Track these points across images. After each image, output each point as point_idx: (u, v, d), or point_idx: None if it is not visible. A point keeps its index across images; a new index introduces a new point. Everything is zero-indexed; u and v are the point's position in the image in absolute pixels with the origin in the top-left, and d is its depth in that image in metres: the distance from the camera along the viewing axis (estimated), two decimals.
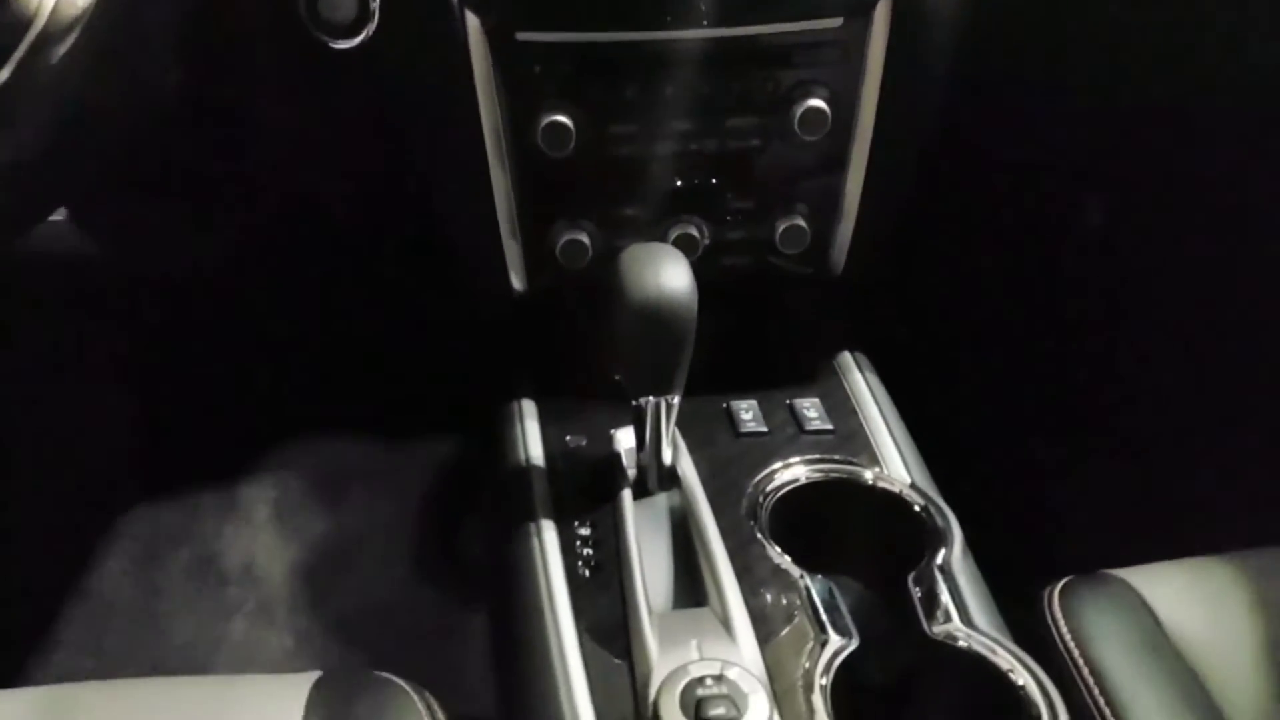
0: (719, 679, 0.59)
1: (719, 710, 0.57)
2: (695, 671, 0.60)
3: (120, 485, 1.36)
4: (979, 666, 0.64)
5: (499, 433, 0.87)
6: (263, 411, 1.43)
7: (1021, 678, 0.63)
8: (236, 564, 1.32)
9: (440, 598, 1.26)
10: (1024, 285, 1.21)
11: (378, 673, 0.72)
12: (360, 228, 1.25)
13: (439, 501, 1.36)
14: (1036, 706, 0.61)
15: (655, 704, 0.58)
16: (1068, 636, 0.71)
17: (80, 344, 1.32)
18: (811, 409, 0.88)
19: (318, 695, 0.68)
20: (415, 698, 0.69)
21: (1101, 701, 0.66)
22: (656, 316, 0.67)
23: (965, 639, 0.66)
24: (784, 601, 0.69)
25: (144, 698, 0.72)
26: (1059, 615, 0.73)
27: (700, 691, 0.58)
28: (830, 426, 0.86)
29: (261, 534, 1.36)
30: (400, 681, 0.70)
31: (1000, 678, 0.63)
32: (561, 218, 0.85)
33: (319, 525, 1.36)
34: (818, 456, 0.83)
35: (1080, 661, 0.69)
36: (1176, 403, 1.06)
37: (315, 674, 0.72)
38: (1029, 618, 0.75)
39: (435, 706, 0.69)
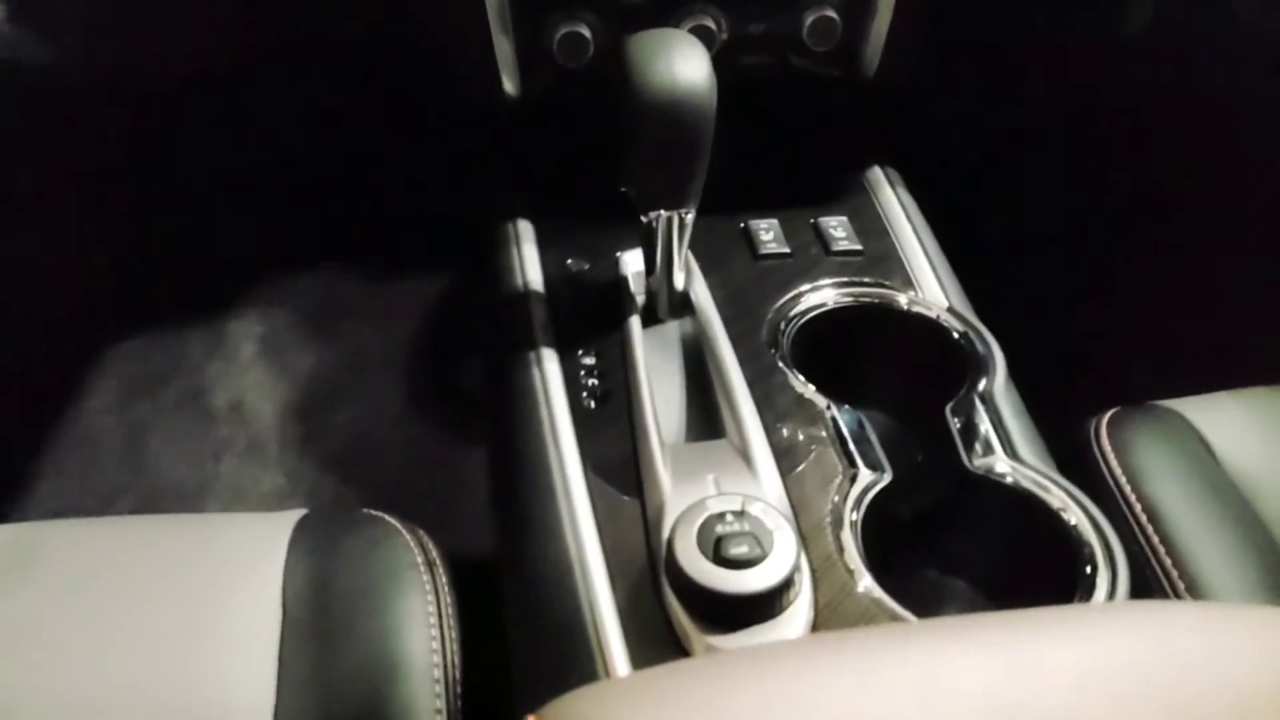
0: (740, 515, 0.53)
1: (741, 549, 0.51)
2: (714, 507, 0.54)
3: (102, 320, 1.29)
4: (1025, 503, 0.59)
5: (493, 257, 0.79)
6: (248, 243, 1.34)
7: (1073, 516, 0.57)
8: (225, 402, 1.27)
9: (436, 433, 1.22)
10: (1067, 94, 1.09)
11: (365, 510, 0.67)
12: (348, 37, 1.12)
13: (433, 333, 1.29)
14: (1089, 547, 0.55)
15: (670, 541, 0.53)
16: (1117, 470, 0.65)
17: (49, 168, 1.22)
18: (839, 228, 0.79)
19: (302, 532, 0.64)
20: (405, 533, 0.64)
21: (1155, 539, 0.61)
22: (671, 112, 0.58)
23: (1010, 472, 0.60)
24: (809, 433, 0.63)
25: (122, 535, 0.68)
26: (1107, 447, 0.67)
27: (720, 528, 0.52)
28: (859, 247, 0.78)
29: (250, 371, 1.31)
30: (389, 518, 0.66)
31: (1049, 515, 0.57)
32: (558, 6, 0.74)
33: (309, 360, 1.31)
34: (846, 279, 0.75)
35: (1131, 496, 0.63)
36: (1228, 219, 0.96)
37: (300, 511, 0.68)
38: (1074, 450, 0.69)
39: (427, 542, 0.64)
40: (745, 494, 0.55)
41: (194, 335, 1.32)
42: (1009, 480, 0.60)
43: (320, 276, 1.35)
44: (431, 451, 1.19)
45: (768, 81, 0.80)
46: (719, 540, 0.52)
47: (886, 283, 0.75)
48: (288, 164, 1.28)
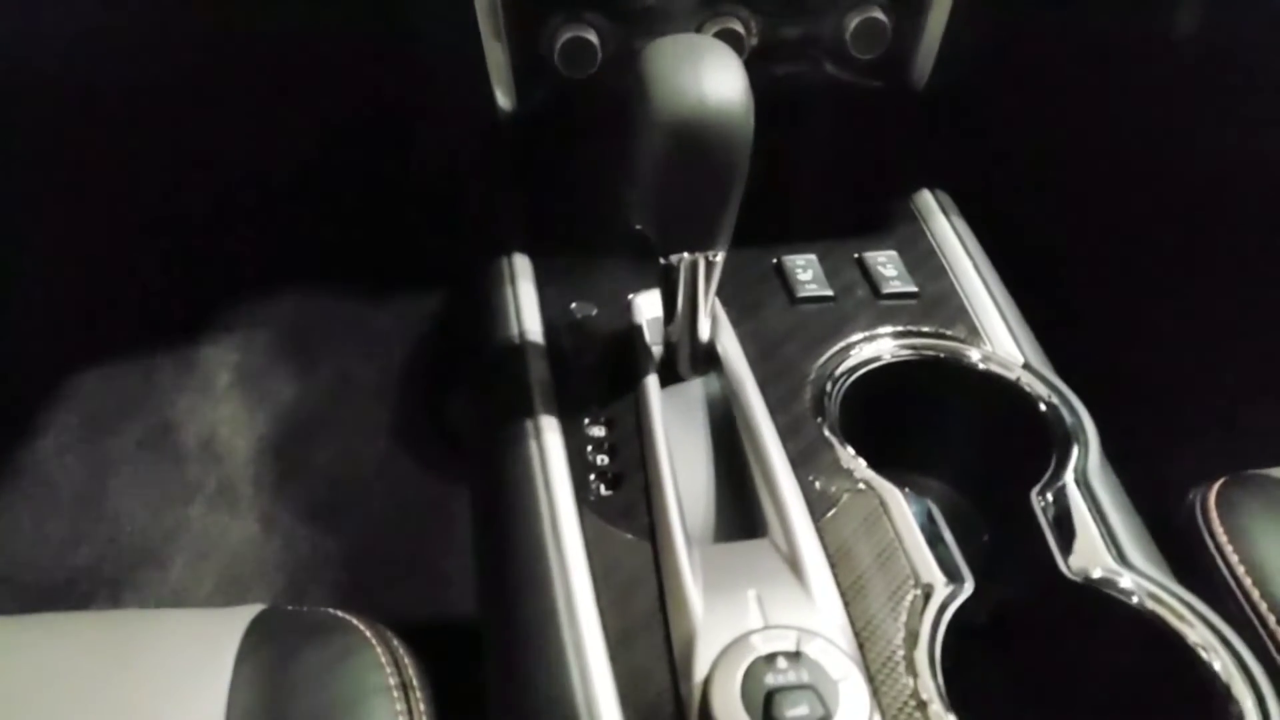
0: (795, 657, 0.42)
1: (799, 710, 0.40)
2: (761, 646, 0.42)
3: (63, 349, 1.17)
4: (1148, 628, 0.47)
5: (485, 298, 0.68)
6: (223, 265, 1.23)
7: (1216, 659, 0.45)
8: (195, 438, 1.16)
9: (423, 472, 1.11)
10: (1141, 112, 0.97)
11: (331, 611, 0.56)
12: (326, 44, 1.00)
13: (421, 361, 1.18)
14: (1237, 706, 0.44)
15: (706, 692, 0.41)
16: (1236, 564, 0.54)
17: (4, 187, 1.11)
18: (888, 264, 0.68)
19: (255, 637, 0.54)
20: (376, 645, 0.53)
21: None
22: (699, 136, 0.46)
23: (1124, 584, 0.49)
24: (869, 531, 0.51)
25: (41, 638, 0.58)
26: (1219, 531, 0.56)
27: (770, 678, 0.41)
28: (914, 288, 0.66)
29: (223, 403, 1.19)
30: (358, 622, 0.55)
31: (1181, 649, 0.46)
32: (559, 7, 0.63)
33: (287, 391, 1.20)
34: (901, 328, 0.63)
35: (1260, 602, 0.52)
36: None
37: (256, 608, 0.57)
38: (1174, 533, 0.57)
39: (402, 656, 0.53)
40: (800, 626, 0.43)
41: (163, 364, 1.20)
42: (1124, 596, 0.49)
43: (301, 300, 1.24)
44: (418, 495, 1.08)
45: (803, 94, 0.68)
46: (770, 698, 0.40)
47: (948, 333, 0.63)
48: (267, 182, 1.16)
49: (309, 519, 1.08)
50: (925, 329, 0.63)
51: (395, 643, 0.55)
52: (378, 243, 1.19)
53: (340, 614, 0.56)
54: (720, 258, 0.55)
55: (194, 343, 1.21)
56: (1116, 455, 0.58)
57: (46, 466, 1.12)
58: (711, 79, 0.46)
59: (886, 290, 0.66)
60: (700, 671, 0.43)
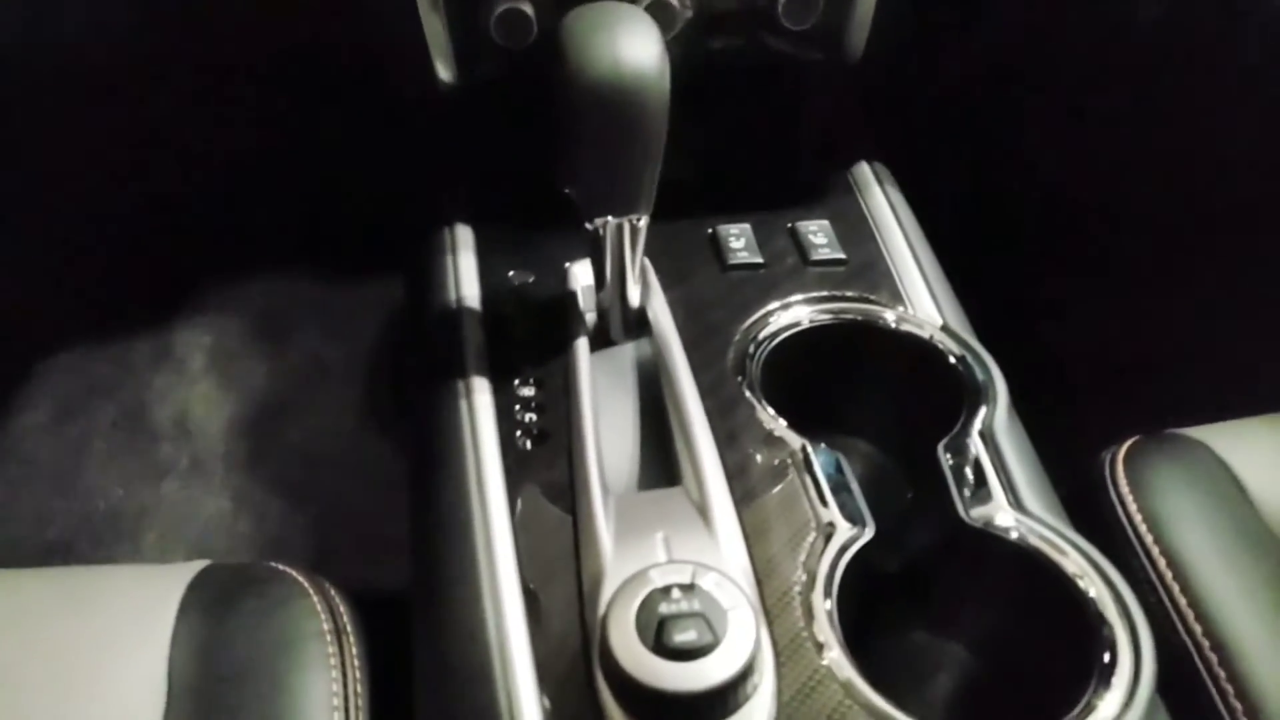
0: (689, 589, 0.44)
1: (688, 635, 0.42)
2: (658, 579, 0.44)
3: (39, 330, 1.20)
4: (1033, 564, 0.49)
5: (426, 267, 0.70)
6: (194, 247, 1.25)
7: (1092, 586, 0.48)
8: (169, 418, 1.18)
9: (395, 451, 1.13)
10: (1073, 80, 0.99)
11: (270, 563, 0.59)
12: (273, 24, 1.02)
13: (389, 345, 1.20)
14: (1109, 627, 0.46)
15: (605, 622, 0.44)
16: (1136, 515, 0.56)
17: None
18: (819, 233, 0.70)
19: (197, 590, 0.56)
20: (313, 593, 0.56)
21: (1183, 603, 0.51)
22: (613, 100, 0.48)
23: (1015, 526, 0.51)
24: (778, 480, 0.54)
25: (3, 590, 0.59)
26: (1124, 487, 0.58)
27: (664, 607, 0.43)
28: (842, 255, 0.68)
29: (197, 384, 1.22)
30: (295, 573, 0.57)
31: (1062, 582, 0.48)
32: None
33: (260, 371, 1.22)
34: (826, 294, 0.65)
35: (1154, 549, 0.54)
36: (1255, 218, 0.87)
37: (202, 563, 0.59)
38: (1084, 489, 0.60)
39: (338, 604, 0.56)
40: (697, 561, 0.46)
41: (137, 346, 1.23)
42: (1013, 536, 0.51)
43: (271, 284, 1.26)
44: (385, 471, 1.10)
45: (738, 66, 0.70)
46: (662, 624, 0.42)
47: (872, 297, 0.65)
48: (232, 163, 1.18)
49: (279, 494, 1.10)
50: (849, 294, 0.65)
51: (332, 592, 0.57)
52: (343, 226, 1.21)
53: (279, 566, 0.59)
54: (644, 223, 0.57)
55: (167, 326, 1.24)
56: (1038, 421, 0.60)
57: (23, 444, 1.15)
58: (626, 44, 0.48)
59: (815, 257, 0.68)
60: (603, 604, 0.45)
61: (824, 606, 0.47)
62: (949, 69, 0.90)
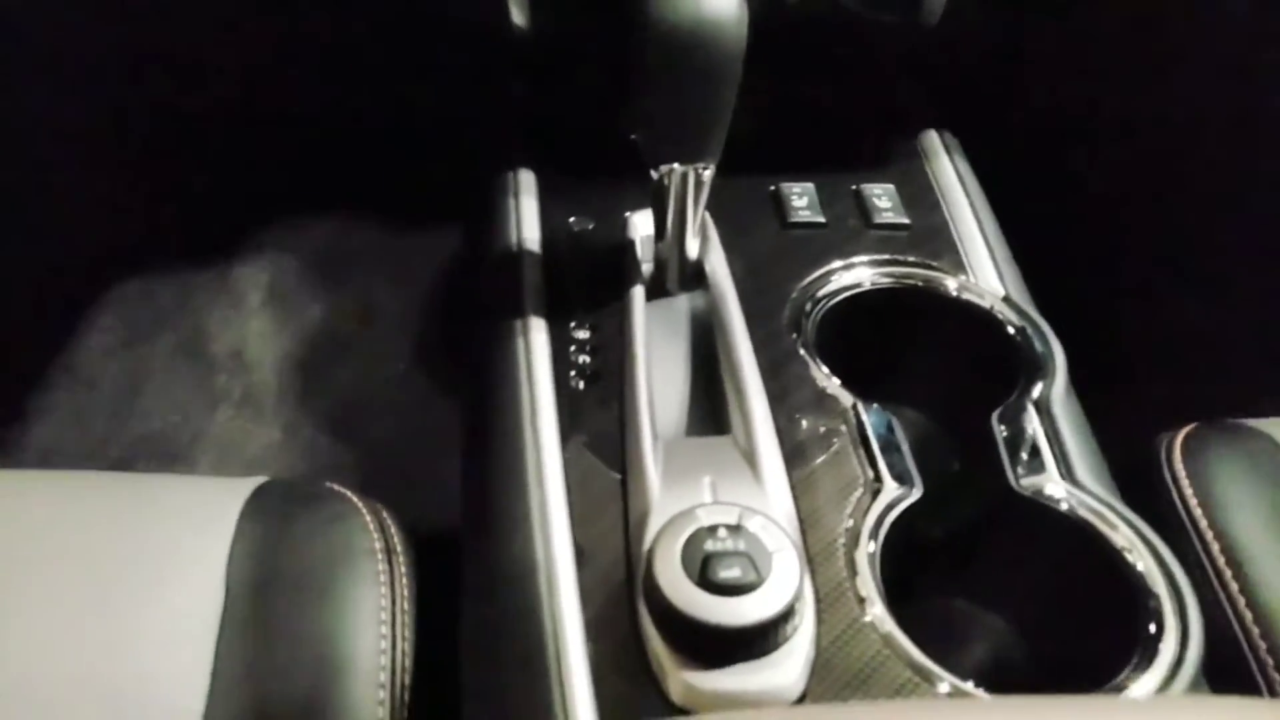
0: (735, 530, 0.44)
1: (732, 571, 0.43)
2: (704, 518, 0.45)
3: (108, 261, 1.23)
4: (1081, 536, 0.49)
5: (489, 210, 0.71)
6: (258, 186, 1.27)
7: (1140, 559, 0.47)
8: (226, 350, 1.21)
9: (441, 397, 1.15)
10: (1158, 67, 0.96)
11: (328, 484, 0.60)
12: None
13: (447, 290, 1.21)
14: (1156, 600, 0.46)
15: (650, 555, 0.44)
16: (1191, 499, 0.55)
17: (60, 109, 1.16)
18: (883, 197, 0.69)
19: (256, 503, 0.58)
20: (366, 513, 0.57)
21: (1234, 588, 0.51)
22: (691, 44, 0.49)
23: (1065, 497, 0.51)
24: (828, 435, 0.54)
25: (62, 491, 0.63)
26: (1180, 471, 0.57)
27: (710, 544, 0.44)
28: (906, 220, 0.68)
29: (254, 319, 1.25)
30: (351, 494, 0.59)
31: (1110, 554, 0.48)
32: None
33: (315, 311, 1.24)
34: (887, 257, 0.65)
35: (1208, 534, 0.53)
36: None
37: (259, 479, 0.61)
38: (1139, 473, 0.59)
39: (389, 525, 0.57)
40: (744, 505, 0.46)
41: (199, 279, 1.26)
42: (1062, 506, 0.51)
43: (333, 224, 1.28)
44: (434, 417, 1.12)
45: (812, 23, 0.70)
46: (707, 559, 0.43)
47: (934, 263, 0.65)
48: (300, 107, 1.20)
49: (327, 430, 1.13)
50: (910, 259, 0.65)
51: (384, 514, 0.59)
52: (404, 173, 1.22)
53: (334, 486, 0.61)
54: (709, 174, 0.57)
55: (228, 262, 1.26)
56: (1096, 401, 0.59)
57: (88, 366, 1.18)
58: None
59: (878, 220, 0.68)
60: (649, 538, 0.46)
61: (867, 561, 0.48)
62: (1034, 47, 0.88)
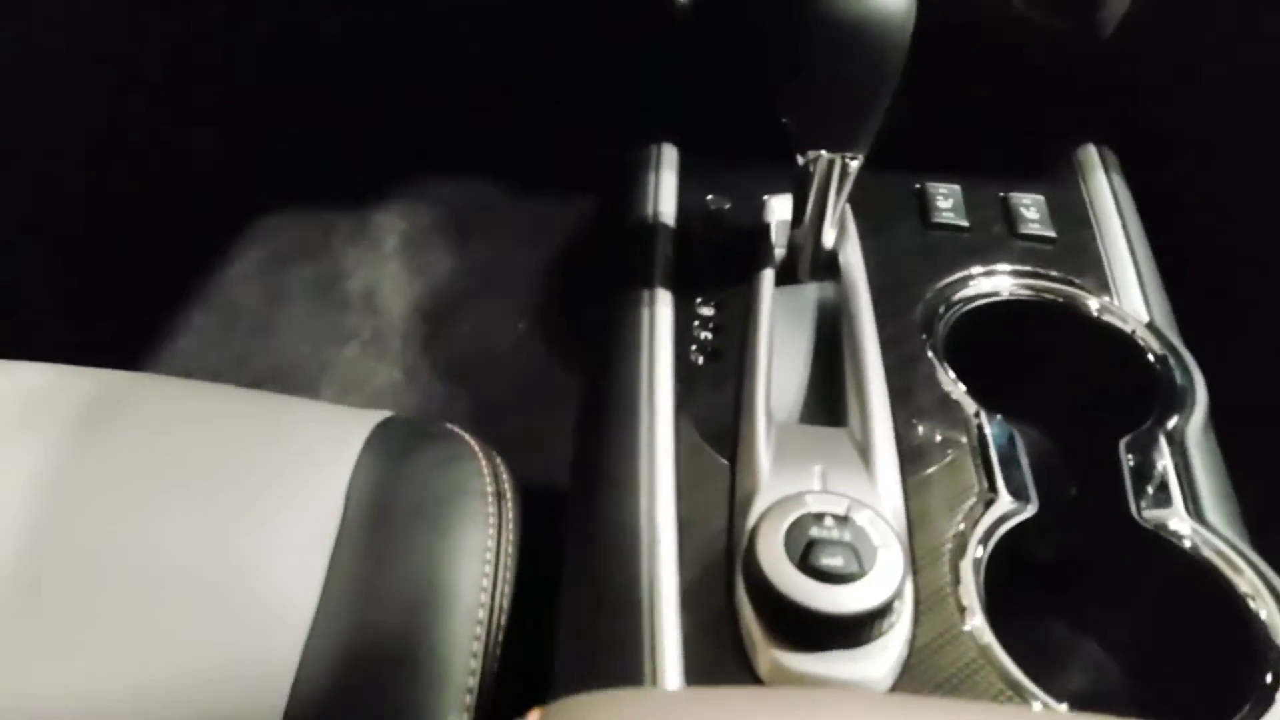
0: (842, 521, 0.45)
1: (834, 560, 0.43)
2: (813, 505, 0.45)
3: (257, 191, 1.31)
4: (1201, 576, 0.47)
5: (629, 181, 0.72)
6: (405, 139, 1.33)
7: (1263, 607, 0.45)
8: (359, 289, 1.27)
9: (558, 359, 1.18)
10: None
11: (448, 425, 0.63)
12: None
13: (575, 255, 1.24)
14: (1277, 651, 0.44)
15: (753, 533, 0.45)
16: None
17: (229, 40, 1.23)
18: (1032, 207, 0.67)
19: (380, 434, 0.61)
20: (481, 457, 0.59)
21: None
22: (856, 32, 0.48)
23: (1189, 535, 0.49)
24: (947, 440, 0.53)
25: (210, 401, 0.67)
26: None
27: (815, 531, 0.44)
28: (1052, 234, 0.66)
29: (388, 263, 1.30)
30: (469, 438, 0.61)
31: (1230, 598, 0.46)
32: None
33: (446, 263, 1.29)
34: (1028, 269, 0.63)
35: None
36: None
37: (385, 413, 0.64)
38: (1274, 520, 0.56)
39: (502, 471, 0.59)
40: (854, 497, 0.46)
41: (341, 219, 1.32)
42: (1185, 544, 0.49)
43: (472, 182, 1.32)
44: (548, 379, 1.15)
45: (980, 23, 0.68)
46: (810, 545, 0.43)
47: (1077, 280, 0.63)
48: (457, 65, 1.24)
49: (446, 378, 1.17)
50: (1052, 273, 0.63)
51: (497, 460, 0.61)
52: (547, 136, 1.25)
53: (455, 429, 0.63)
54: (855, 165, 0.57)
55: (369, 206, 1.32)
56: (1235, 442, 0.56)
57: (230, 291, 1.26)
58: None
59: (1023, 230, 0.66)
60: (753, 517, 0.46)
61: (972, 570, 0.47)
62: (1211, 71, 0.84)
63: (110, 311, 1.12)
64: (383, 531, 0.56)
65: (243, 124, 1.27)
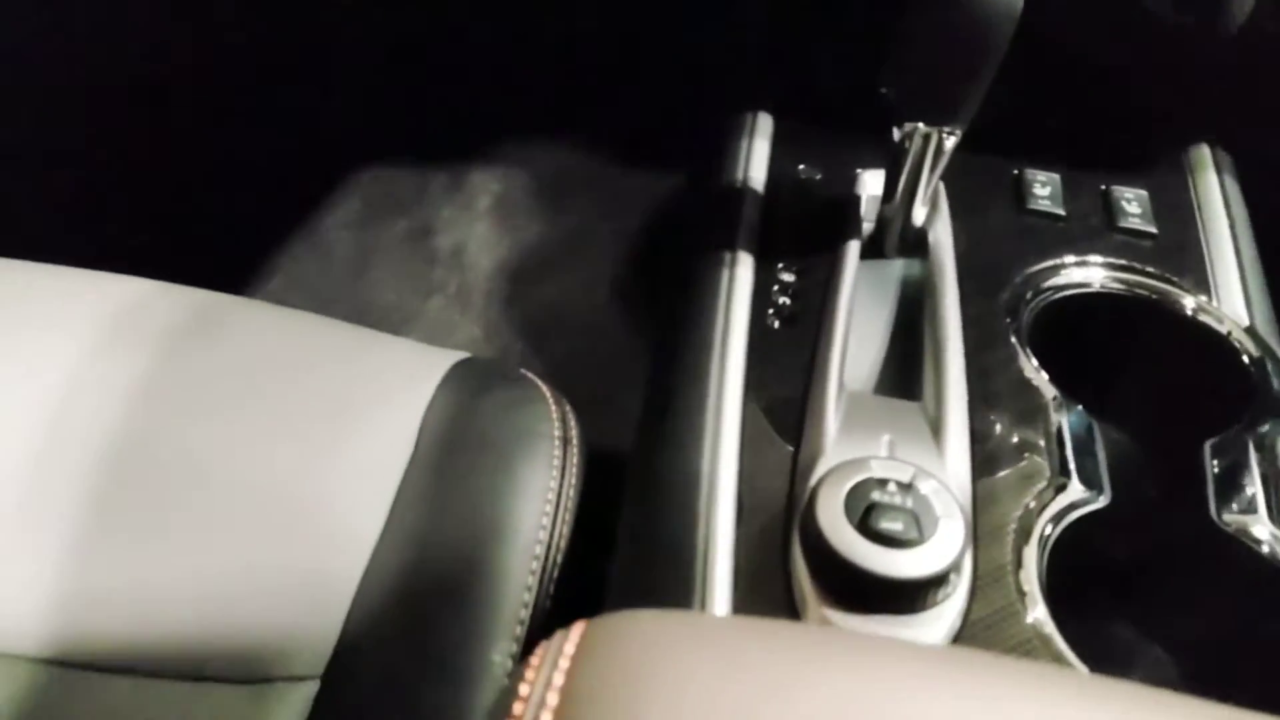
0: (906, 488, 0.44)
1: (894, 524, 0.42)
2: (877, 470, 0.45)
3: (357, 144, 1.35)
4: (1272, 578, 0.46)
5: (722, 146, 0.72)
6: (500, 104, 1.35)
7: None
8: (449, 245, 1.30)
9: (635, 328, 1.19)
10: None
11: (523, 370, 0.64)
12: None
13: (658, 229, 1.25)
14: None
15: (814, 491, 0.45)
16: None
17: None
18: (1134, 202, 0.65)
19: (456, 372, 0.62)
20: (552, 403, 0.60)
21: None
22: (964, 3, 0.47)
23: (1271, 542, 0.47)
24: (1022, 424, 0.52)
25: (301, 327, 0.69)
26: None
27: (876, 495, 0.44)
28: (1153, 229, 0.64)
29: (479, 223, 1.33)
30: (541, 384, 0.62)
31: None
32: None
33: (534, 227, 1.31)
34: (1125, 262, 0.61)
35: None
36: None
37: (464, 354, 0.66)
38: None
39: (570, 419, 0.60)
40: (920, 467, 0.46)
41: (436, 176, 1.35)
42: (1265, 549, 0.47)
43: (570, 150, 1.34)
44: (624, 346, 1.16)
45: (1094, 11, 0.66)
46: (871, 508, 0.43)
47: (1175, 278, 0.61)
48: (555, 31, 1.26)
49: (525, 338, 1.19)
50: (1149, 269, 0.61)
51: (567, 408, 0.62)
52: (646, 109, 1.26)
53: (528, 374, 0.64)
54: (951, 142, 0.56)
55: (465, 166, 1.35)
56: None
57: (326, 237, 1.30)
58: None
59: (1122, 224, 0.64)
60: (815, 476, 0.46)
61: (1035, 552, 0.46)
62: None
63: (210, 246, 1.17)
64: (451, 464, 0.57)
65: (360, 82, 1.32)
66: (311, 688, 0.51)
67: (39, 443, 0.56)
